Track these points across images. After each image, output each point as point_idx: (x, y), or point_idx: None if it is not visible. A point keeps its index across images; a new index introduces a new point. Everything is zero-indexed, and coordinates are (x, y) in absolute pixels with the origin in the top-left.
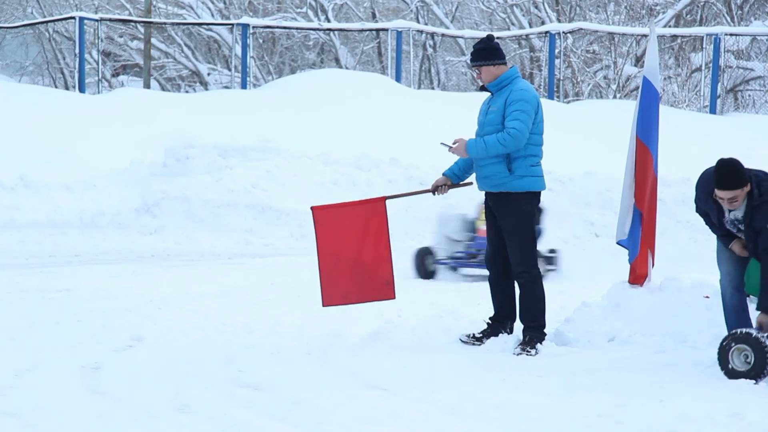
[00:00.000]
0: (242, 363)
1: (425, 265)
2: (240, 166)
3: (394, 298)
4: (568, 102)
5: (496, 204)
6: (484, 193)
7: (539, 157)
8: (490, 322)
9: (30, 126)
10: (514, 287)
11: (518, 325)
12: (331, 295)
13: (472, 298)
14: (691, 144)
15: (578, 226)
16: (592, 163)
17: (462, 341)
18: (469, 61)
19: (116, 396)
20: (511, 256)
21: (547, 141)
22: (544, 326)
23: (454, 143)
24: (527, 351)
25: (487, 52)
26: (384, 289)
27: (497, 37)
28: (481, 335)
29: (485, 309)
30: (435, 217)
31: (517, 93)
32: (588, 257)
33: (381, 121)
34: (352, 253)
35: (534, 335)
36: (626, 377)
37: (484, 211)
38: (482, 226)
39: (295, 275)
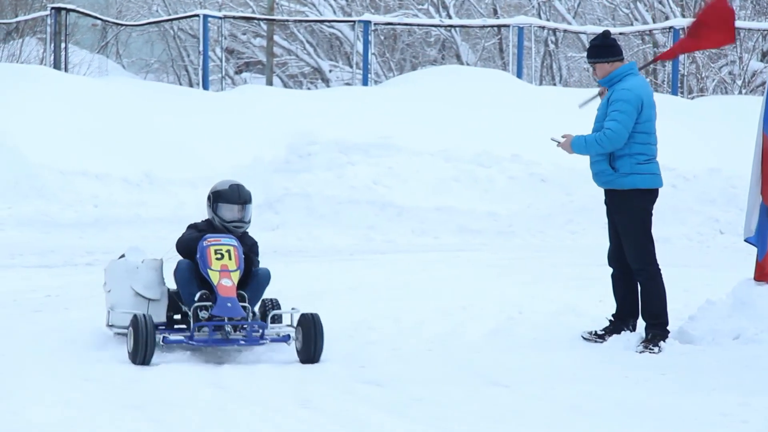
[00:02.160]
0: (363, 359)
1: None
2: (361, 162)
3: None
4: (693, 98)
5: (610, 201)
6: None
7: (648, 155)
8: (612, 319)
9: (155, 123)
10: (636, 284)
11: (641, 323)
12: None
13: (594, 295)
14: None
15: (702, 223)
16: (717, 160)
17: (584, 338)
18: (587, 58)
19: (238, 391)
20: (627, 254)
21: (670, 137)
22: (666, 324)
23: (563, 137)
24: (650, 349)
25: (601, 48)
26: None
27: (620, 33)
28: (603, 332)
29: (607, 306)
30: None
31: (619, 92)
32: (712, 255)
33: (502, 118)
34: None
35: (657, 333)
36: (751, 376)
37: None
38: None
39: (415, 272)
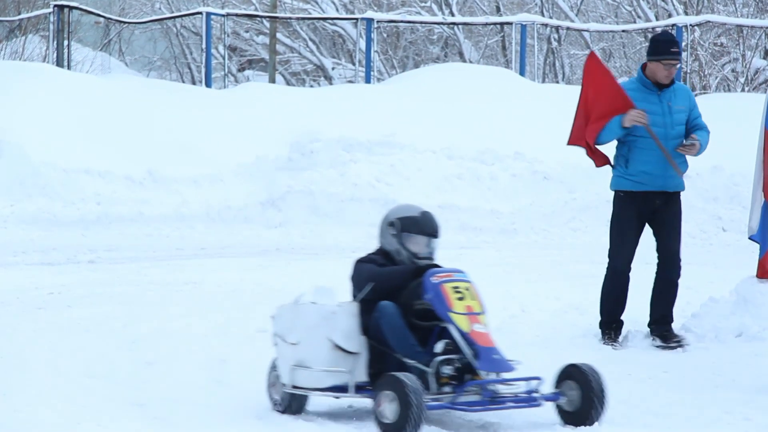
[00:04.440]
0: None
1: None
2: (364, 160)
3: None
4: (696, 95)
5: (666, 203)
6: (641, 193)
7: None
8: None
9: (158, 120)
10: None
11: (635, 321)
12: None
13: (598, 293)
14: None
15: (705, 221)
16: (720, 158)
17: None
18: (661, 54)
19: (241, 388)
20: (676, 252)
21: None
22: None
23: (690, 144)
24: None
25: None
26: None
27: (623, 30)
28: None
29: None
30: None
31: (689, 92)
32: (715, 252)
33: (505, 116)
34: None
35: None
36: (754, 373)
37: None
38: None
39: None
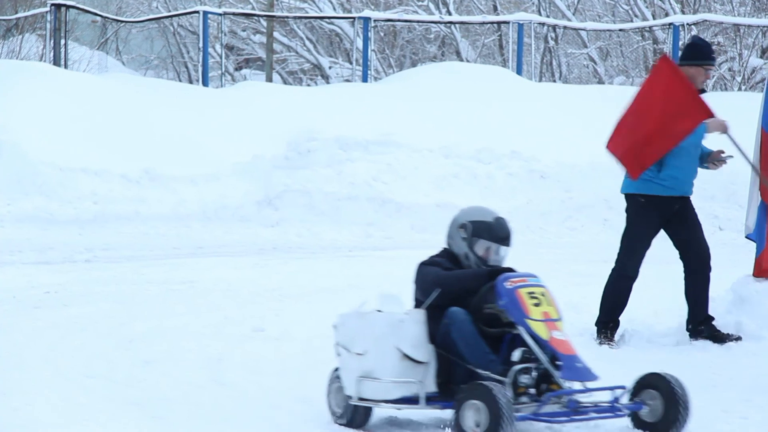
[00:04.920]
0: None
1: None
2: (361, 159)
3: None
4: None
5: (683, 206)
6: (666, 198)
7: None
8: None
9: (154, 119)
10: None
11: (631, 320)
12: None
13: (595, 292)
14: None
15: (702, 219)
16: None
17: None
18: (703, 59)
19: (238, 387)
20: (708, 248)
21: None
22: None
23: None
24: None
25: None
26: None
27: (620, 29)
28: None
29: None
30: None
31: None
32: (712, 251)
33: (502, 114)
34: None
35: None
36: (752, 372)
37: None
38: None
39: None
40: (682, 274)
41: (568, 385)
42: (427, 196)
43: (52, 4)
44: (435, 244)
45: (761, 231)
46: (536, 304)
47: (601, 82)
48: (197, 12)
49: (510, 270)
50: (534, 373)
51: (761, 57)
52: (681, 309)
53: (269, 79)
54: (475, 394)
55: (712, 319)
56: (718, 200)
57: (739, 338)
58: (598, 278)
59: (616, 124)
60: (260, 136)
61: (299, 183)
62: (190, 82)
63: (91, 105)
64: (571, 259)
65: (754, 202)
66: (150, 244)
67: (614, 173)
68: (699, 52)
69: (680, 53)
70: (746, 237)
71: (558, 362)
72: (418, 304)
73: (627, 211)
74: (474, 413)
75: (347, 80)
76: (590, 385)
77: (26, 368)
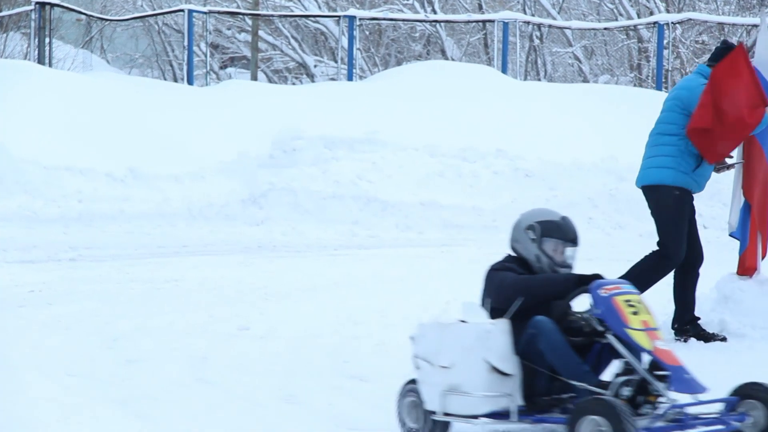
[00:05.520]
0: (348, 354)
1: None
2: (346, 157)
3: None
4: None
5: (693, 205)
6: (691, 195)
7: None
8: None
9: (139, 118)
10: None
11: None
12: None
13: None
14: None
15: None
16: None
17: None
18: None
19: (223, 386)
20: (702, 249)
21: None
22: None
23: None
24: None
25: None
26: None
27: (605, 28)
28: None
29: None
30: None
31: None
32: None
33: (487, 113)
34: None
35: None
36: (735, 370)
37: None
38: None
39: (400, 267)
40: (673, 273)
41: (673, 397)
42: (412, 194)
43: (37, 3)
44: (420, 242)
45: (744, 229)
46: (634, 313)
47: (586, 80)
48: (182, 10)
49: (599, 276)
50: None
51: None
52: (663, 307)
53: (254, 78)
54: (595, 409)
55: (698, 318)
56: (702, 198)
57: (724, 339)
58: None
59: (697, 109)
60: (245, 134)
61: (284, 181)
62: (175, 80)
63: (75, 103)
64: None
65: (737, 200)
66: (135, 243)
67: (598, 171)
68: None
69: (712, 53)
70: (730, 235)
71: (661, 373)
72: (492, 312)
73: (659, 202)
74: (593, 429)
75: (332, 79)
76: (701, 397)
77: (9, 367)
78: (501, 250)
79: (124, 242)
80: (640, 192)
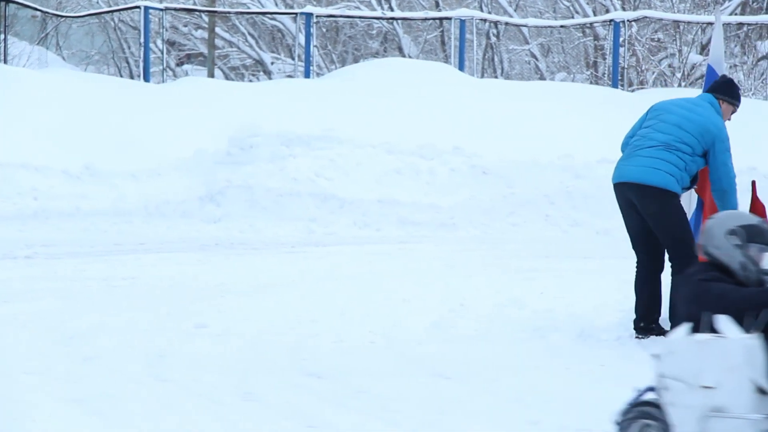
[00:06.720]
0: (306, 351)
1: None
2: (303, 155)
3: None
4: (633, 90)
5: None
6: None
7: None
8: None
9: (95, 115)
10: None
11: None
12: None
13: (537, 287)
14: (757, 133)
15: None
16: None
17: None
18: (738, 100)
19: (181, 383)
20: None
21: (612, 130)
22: None
23: None
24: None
25: None
26: None
27: (561, 26)
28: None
29: (548, 299)
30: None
31: None
32: None
33: (444, 110)
34: None
35: None
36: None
37: None
38: None
39: (357, 264)
40: (642, 273)
41: None
42: (370, 191)
43: None
44: (378, 239)
45: (697, 225)
46: None
47: (542, 78)
48: (138, 7)
49: None
50: None
51: (701, 53)
52: (620, 304)
53: (211, 75)
54: None
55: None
56: None
57: None
58: (541, 273)
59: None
60: (202, 131)
61: (241, 179)
62: (132, 77)
63: (31, 100)
64: (513, 255)
65: (692, 199)
66: (91, 240)
67: (555, 169)
68: (735, 93)
69: (714, 84)
70: None
71: None
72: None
73: (665, 204)
74: None
75: (289, 76)
76: None
77: None
78: (460, 247)
79: (81, 240)
80: (596, 189)
